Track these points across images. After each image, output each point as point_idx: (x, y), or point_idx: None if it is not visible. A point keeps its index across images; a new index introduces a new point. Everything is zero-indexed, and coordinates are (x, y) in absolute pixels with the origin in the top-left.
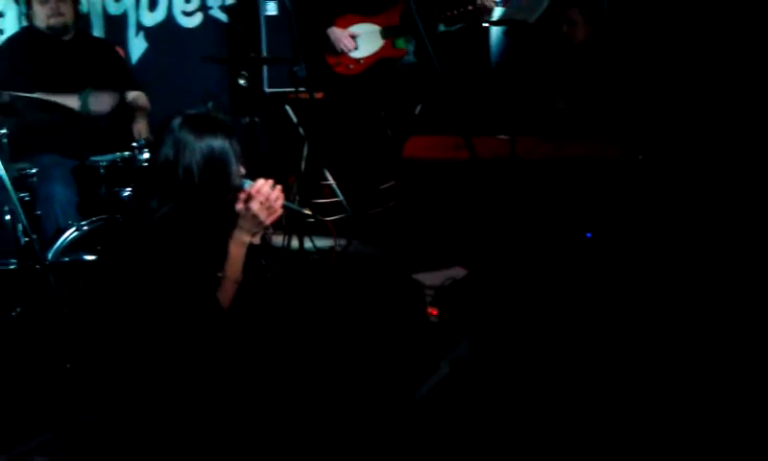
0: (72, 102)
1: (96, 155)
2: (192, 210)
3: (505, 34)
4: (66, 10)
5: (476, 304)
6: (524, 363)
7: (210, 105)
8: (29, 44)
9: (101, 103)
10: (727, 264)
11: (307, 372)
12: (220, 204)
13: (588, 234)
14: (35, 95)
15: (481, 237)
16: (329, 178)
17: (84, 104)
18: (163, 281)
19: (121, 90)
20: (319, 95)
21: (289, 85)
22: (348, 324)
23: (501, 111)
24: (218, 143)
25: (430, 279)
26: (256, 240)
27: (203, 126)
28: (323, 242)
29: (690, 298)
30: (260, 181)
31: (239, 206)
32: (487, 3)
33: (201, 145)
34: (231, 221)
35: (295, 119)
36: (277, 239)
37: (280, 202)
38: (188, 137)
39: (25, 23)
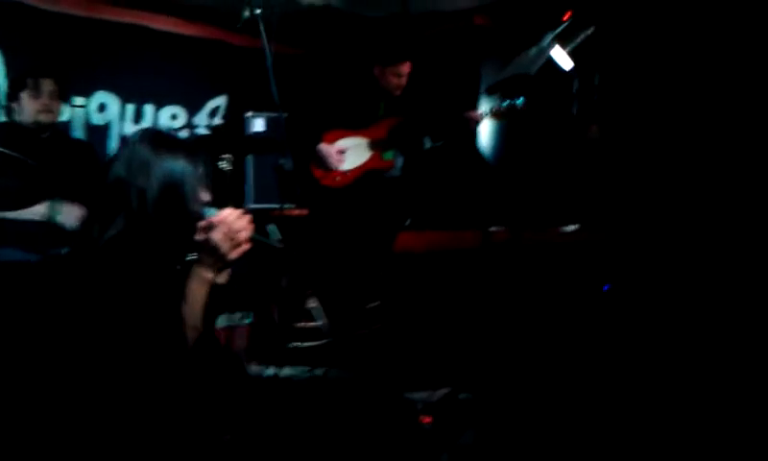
0: (41, 209)
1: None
2: (144, 238)
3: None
4: (56, 108)
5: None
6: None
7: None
8: (6, 138)
9: (70, 215)
10: None
11: None
12: (176, 233)
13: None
14: None
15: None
16: (312, 301)
17: (53, 214)
18: (112, 317)
19: (97, 194)
20: (304, 212)
21: (274, 202)
22: (336, 434)
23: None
24: (178, 163)
25: (420, 396)
26: (221, 280)
27: (162, 143)
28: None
29: None
30: (226, 210)
31: (199, 236)
32: (473, 115)
33: (158, 163)
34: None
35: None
36: (254, 368)
37: (246, 233)
38: (145, 154)
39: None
